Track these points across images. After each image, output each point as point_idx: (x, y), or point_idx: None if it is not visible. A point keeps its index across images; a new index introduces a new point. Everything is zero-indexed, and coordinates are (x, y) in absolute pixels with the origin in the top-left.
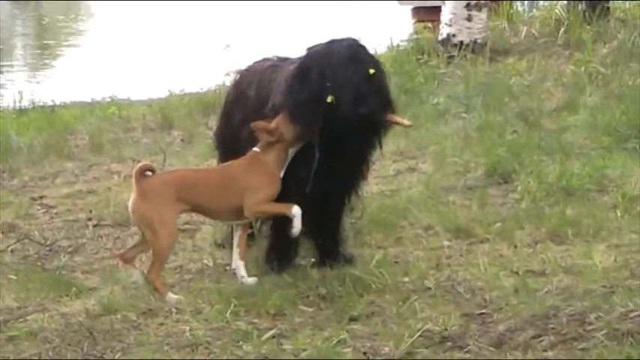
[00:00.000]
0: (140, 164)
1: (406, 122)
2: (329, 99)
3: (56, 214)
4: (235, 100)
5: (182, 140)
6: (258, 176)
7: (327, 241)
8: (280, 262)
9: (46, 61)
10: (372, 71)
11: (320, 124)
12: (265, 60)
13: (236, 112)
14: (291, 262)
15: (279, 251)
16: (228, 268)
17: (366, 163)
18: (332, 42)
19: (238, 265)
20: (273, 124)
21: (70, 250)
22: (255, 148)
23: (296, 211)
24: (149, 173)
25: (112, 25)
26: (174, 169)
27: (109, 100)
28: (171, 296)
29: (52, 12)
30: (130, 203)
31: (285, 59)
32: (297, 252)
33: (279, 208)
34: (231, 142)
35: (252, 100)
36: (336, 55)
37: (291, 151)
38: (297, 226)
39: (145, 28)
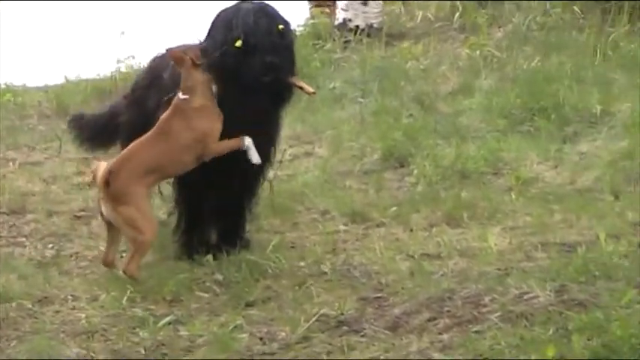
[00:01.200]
0: (102, 171)
1: (310, 89)
2: (238, 43)
3: None
4: (149, 85)
5: None
6: (199, 120)
7: (228, 224)
8: (193, 246)
9: None
10: (281, 27)
11: (230, 68)
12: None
13: (150, 97)
14: (204, 245)
15: (191, 234)
16: (123, 255)
17: (271, 140)
18: (242, 2)
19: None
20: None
21: None
22: (181, 95)
23: (248, 142)
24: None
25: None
26: (121, 155)
27: (4, 86)
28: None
29: None
30: (106, 212)
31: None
32: (209, 233)
33: (232, 144)
34: (144, 128)
35: (165, 82)
36: (246, 9)
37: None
38: (254, 156)
39: (37, 11)
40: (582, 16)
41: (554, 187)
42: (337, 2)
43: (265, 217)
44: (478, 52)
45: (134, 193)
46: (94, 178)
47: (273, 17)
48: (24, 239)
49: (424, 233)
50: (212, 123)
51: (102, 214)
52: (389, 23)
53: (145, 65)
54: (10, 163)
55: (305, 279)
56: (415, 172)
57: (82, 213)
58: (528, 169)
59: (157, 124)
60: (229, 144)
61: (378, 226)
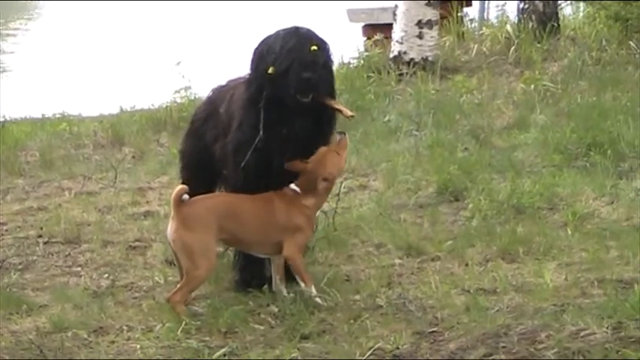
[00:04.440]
0: (177, 189)
1: (349, 112)
2: (270, 70)
3: (6, 231)
4: (207, 118)
5: (133, 157)
6: (298, 217)
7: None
8: (249, 281)
9: None
10: (314, 47)
11: (269, 95)
12: (239, 78)
13: (207, 131)
14: (264, 280)
15: (249, 270)
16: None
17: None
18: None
19: (280, 289)
20: (319, 169)
21: (20, 267)
22: (295, 187)
23: (312, 290)
24: (186, 197)
25: (61, 34)
26: (213, 195)
27: (59, 116)
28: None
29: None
30: (169, 231)
31: None
32: (265, 269)
33: (306, 275)
34: (202, 161)
35: (221, 118)
36: (277, 34)
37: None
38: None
39: (94, 41)
40: (638, 51)
41: (610, 223)
42: (392, 35)
43: (320, 250)
44: (533, 87)
45: (203, 227)
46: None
47: (306, 38)
48: (79, 269)
49: (479, 268)
50: (308, 229)
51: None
52: (444, 56)
53: (205, 97)
54: (66, 193)
55: (360, 312)
56: (470, 206)
57: (137, 243)
58: (584, 205)
59: (266, 194)
60: (306, 273)
61: (433, 260)
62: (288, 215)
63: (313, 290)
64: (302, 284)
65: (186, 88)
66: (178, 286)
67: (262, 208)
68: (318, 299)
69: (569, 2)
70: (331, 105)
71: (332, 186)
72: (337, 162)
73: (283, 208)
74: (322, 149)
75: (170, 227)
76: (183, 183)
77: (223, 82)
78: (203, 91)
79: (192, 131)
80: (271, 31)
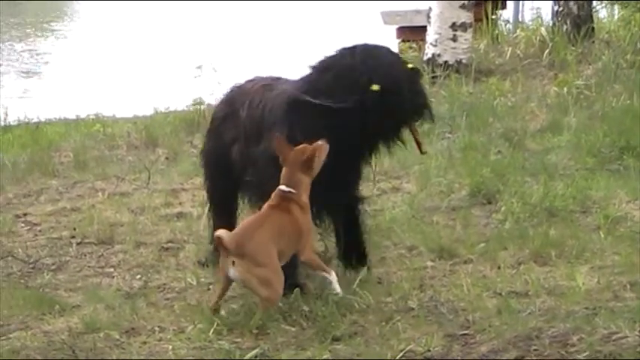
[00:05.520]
0: (224, 236)
1: (425, 148)
2: (375, 87)
3: (40, 231)
4: (225, 117)
5: (167, 158)
6: (305, 218)
7: (351, 244)
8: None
9: (32, 75)
10: (410, 66)
11: (371, 112)
12: (258, 79)
13: (226, 131)
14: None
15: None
16: (211, 287)
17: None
18: (357, 45)
19: (332, 279)
20: (308, 152)
21: (53, 267)
22: (286, 188)
23: (334, 276)
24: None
25: (96, 35)
26: (247, 221)
27: (93, 117)
28: None
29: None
30: (232, 273)
31: (278, 79)
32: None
33: (326, 266)
34: (221, 160)
35: (242, 119)
36: (376, 49)
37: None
38: (337, 289)
39: (130, 43)
40: None
41: None
42: (426, 37)
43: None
44: (566, 90)
45: (269, 254)
46: (219, 244)
47: (397, 55)
48: (112, 270)
49: (511, 271)
50: (310, 225)
51: (226, 277)
52: (477, 59)
53: (222, 96)
54: (99, 194)
55: (391, 314)
56: (503, 209)
57: (170, 244)
58: (617, 208)
59: (282, 205)
60: (322, 265)
61: (465, 262)
62: (304, 218)
63: (335, 276)
64: (326, 275)
65: (210, 94)
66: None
67: (288, 218)
68: (337, 285)
69: (603, 5)
70: (415, 134)
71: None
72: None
73: (299, 212)
74: (303, 146)
75: (235, 271)
76: (207, 190)
77: (241, 82)
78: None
79: (211, 130)
80: (333, 44)
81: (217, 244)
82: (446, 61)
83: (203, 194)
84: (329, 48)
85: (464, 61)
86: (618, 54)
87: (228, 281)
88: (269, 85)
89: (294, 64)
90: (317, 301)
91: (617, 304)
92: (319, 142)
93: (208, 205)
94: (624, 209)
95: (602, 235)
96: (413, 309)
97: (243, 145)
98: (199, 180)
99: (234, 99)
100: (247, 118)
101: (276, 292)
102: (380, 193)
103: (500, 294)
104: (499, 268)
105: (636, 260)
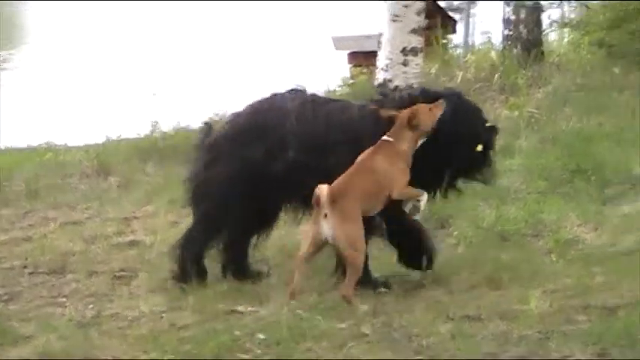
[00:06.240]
0: (325, 190)
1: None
2: (479, 147)
3: None
4: (251, 129)
5: (119, 186)
6: (398, 164)
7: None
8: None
9: None
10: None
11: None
12: (281, 96)
13: (257, 148)
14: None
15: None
16: (163, 315)
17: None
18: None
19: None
20: (409, 113)
21: (5, 298)
22: (387, 138)
23: (424, 197)
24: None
25: (46, 65)
26: (342, 179)
27: (45, 146)
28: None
29: None
30: (326, 228)
31: (313, 94)
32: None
33: (416, 193)
34: (250, 183)
35: (297, 136)
36: (459, 102)
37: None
38: (422, 210)
39: (81, 72)
40: (622, 77)
41: (594, 249)
42: (377, 62)
43: (307, 278)
44: (518, 113)
45: (357, 214)
46: (318, 199)
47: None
48: (64, 299)
49: (465, 295)
50: (406, 170)
51: (315, 236)
52: (429, 83)
53: (239, 111)
54: (51, 223)
55: (345, 340)
56: (455, 233)
57: (122, 273)
58: (569, 231)
59: (359, 161)
60: (415, 192)
61: (418, 287)
62: (388, 165)
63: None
64: (419, 199)
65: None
66: (346, 280)
67: (370, 172)
68: (424, 204)
69: (553, 28)
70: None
71: (419, 137)
72: (429, 115)
73: (382, 161)
74: (418, 105)
75: (327, 227)
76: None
77: (264, 96)
78: (186, 121)
79: (224, 154)
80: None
81: (315, 200)
82: (397, 86)
83: (154, 222)
84: (280, 74)
85: (415, 85)
86: (568, 77)
87: (318, 241)
88: (312, 101)
89: (245, 91)
90: (271, 328)
91: (570, 327)
92: (437, 102)
93: (211, 227)
94: (575, 232)
95: (554, 259)
96: (367, 335)
97: (294, 157)
98: (152, 208)
99: (265, 117)
100: (303, 134)
101: (360, 256)
102: None
103: (453, 319)
104: (452, 292)
105: (588, 283)
